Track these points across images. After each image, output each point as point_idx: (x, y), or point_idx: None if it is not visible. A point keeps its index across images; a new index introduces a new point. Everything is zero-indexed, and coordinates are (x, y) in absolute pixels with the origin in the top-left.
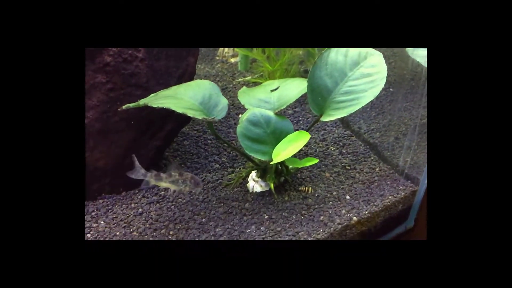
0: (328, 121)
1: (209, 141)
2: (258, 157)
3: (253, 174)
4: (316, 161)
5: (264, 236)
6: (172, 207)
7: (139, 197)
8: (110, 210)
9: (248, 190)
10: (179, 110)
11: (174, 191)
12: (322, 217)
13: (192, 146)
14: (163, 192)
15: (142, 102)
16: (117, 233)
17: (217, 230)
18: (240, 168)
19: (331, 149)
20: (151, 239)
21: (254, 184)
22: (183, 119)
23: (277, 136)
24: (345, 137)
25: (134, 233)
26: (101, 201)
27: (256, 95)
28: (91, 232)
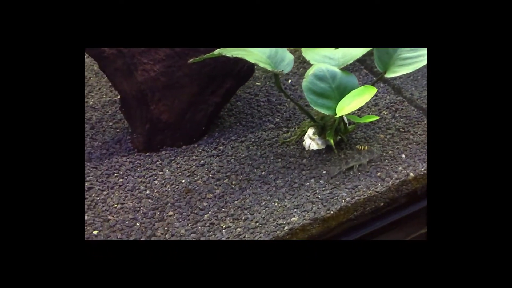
0: (379, 88)
1: (261, 103)
2: (322, 111)
3: (310, 132)
4: (376, 118)
5: (323, 188)
6: (232, 160)
7: (199, 150)
8: (173, 161)
9: (304, 148)
10: (251, 60)
11: (360, 165)
12: (379, 173)
13: (245, 107)
14: (221, 147)
15: (217, 51)
16: (183, 181)
17: (277, 182)
18: (294, 128)
19: (383, 113)
20: (214, 188)
21: (311, 142)
22: (241, 78)
23: (342, 91)
24: (397, 103)
25: (199, 181)
26: (163, 152)
27: (320, 52)
28: (158, 179)
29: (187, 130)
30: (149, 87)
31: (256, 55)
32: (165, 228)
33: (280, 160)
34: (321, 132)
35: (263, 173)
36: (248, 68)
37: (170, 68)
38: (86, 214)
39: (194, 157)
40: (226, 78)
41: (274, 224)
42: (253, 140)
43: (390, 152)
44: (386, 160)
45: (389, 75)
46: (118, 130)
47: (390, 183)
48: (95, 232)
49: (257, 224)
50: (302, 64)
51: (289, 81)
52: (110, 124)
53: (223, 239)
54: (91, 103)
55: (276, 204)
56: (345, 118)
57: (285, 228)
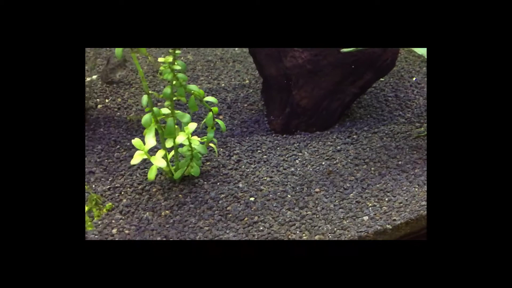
0: None
1: (389, 98)
2: None
3: None
4: None
5: None
6: (367, 149)
7: (333, 137)
8: (309, 144)
9: None
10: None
11: None
12: None
13: (373, 101)
14: (355, 136)
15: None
16: (323, 163)
17: (415, 171)
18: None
19: None
20: (354, 171)
21: None
22: (381, 72)
23: None
24: None
25: (338, 165)
26: (298, 136)
27: None
28: (298, 159)
29: (322, 117)
30: (294, 73)
31: None
32: (315, 202)
33: (415, 152)
34: None
35: (400, 162)
36: (390, 62)
37: (317, 56)
38: (239, 182)
39: (329, 143)
40: (367, 70)
41: (417, 205)
42: (386, 132)
43: None
44: None
45: None
46: (253, 112)
47: None
48: (251, 199)
49: (401, 204)
50: (425, 63)
51: (414, 78)
52: (245, 105)
53: (371, 215)
54: (222, 85)
55: (416, 189)
56: None
57: None
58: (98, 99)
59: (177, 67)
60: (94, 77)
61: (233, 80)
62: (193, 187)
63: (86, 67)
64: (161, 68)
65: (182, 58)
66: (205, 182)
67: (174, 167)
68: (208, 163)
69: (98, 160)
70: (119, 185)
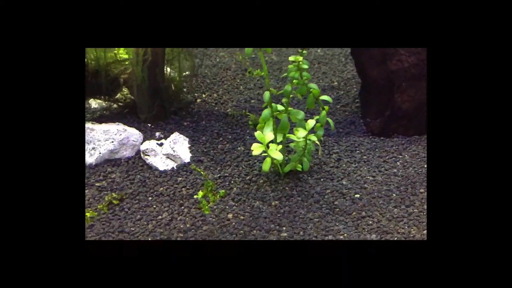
0: None
1: None
2: None
3: None
4: None
5: None
6: None
7: None
8: (408, 148)
9: None
10: None
11: None
12: None
13: None
14: None
15: None
16: (424, 166)
17: None
18: None
19: None
20: None
21: None
22: None
23: None
24: None
25: None
26: (395, 139)
27: None
28: (399, 161)
29: (420, 121)
30: (398, 76)
31: None
32: (421, 201)
33: None
34: None
35: None
36: None
37: (423, 61)
38: (342, 180)
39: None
40: None
41: None
42: None
43: None
44: None
45: None
46: (347, 113)
47: None
48: (357, 196)
49: None
50: None
51: None
52: (338, 107)
53: None
54: None
55: None
56: None
57: None
58: (196, 94)
59: (304, 66)
60: (187, 72)
61: (321, 81)
62: (298, 181)
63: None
64: (289, 66)
65: (266, 58)
66: (310, 178)
67: (281, 161)
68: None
69: (204, 150)
70: (227, 174)
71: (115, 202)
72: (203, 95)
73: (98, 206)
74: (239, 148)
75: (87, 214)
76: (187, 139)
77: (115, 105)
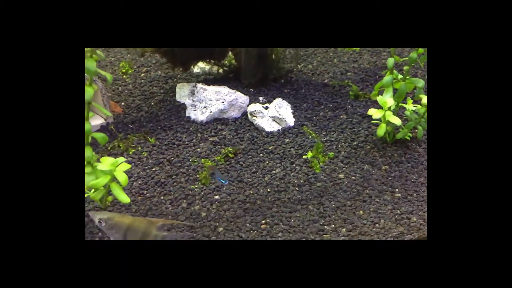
0: None
1: None
2: None
3: None
4: None
5: None
6: None
7: None
8: None
9: None
10: None
11: None
12: None
13: None
14: None
15: None
16: None
17: None
18: None
19: None
20: None
21: None
22: None
23: None
24: None
25: None
26: None
27: None
28: None
29: None
30: None
31: None
32: None
33: None
34: None
35: None
36: None
37: None
38: None
39: None
40: None
41: None
42: None
43: None
44: None
45: None
46: None
47: None
48: None
49: None
50: None
51: None
52: None
53: None
54: None
55: None
56: None
57: None
58: (291, 64)
59: None
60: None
61: None
62: (407, 149)
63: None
64: None
65: None
66: (418, 147)
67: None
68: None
69: (307, 116)
70: (333, 139)
71: (230, 155)
72: (298, 66)
73: (216, 158)
74: (341, 116)
75: (207, 164)
76: (289, 104)
77: (220, 70)
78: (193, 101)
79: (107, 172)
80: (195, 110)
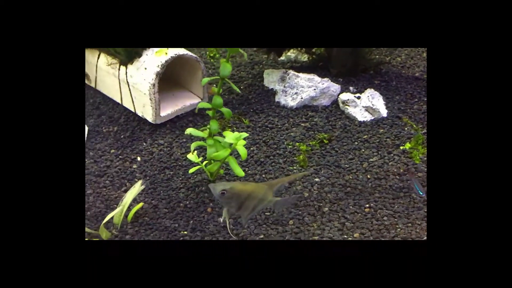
0: None
1: None
2: None
3: None
4: None
5: None
6: None
7: None
8: None
9: None
10: None
11: None
12: None
13: None
14: None
15: None
16: None
17: None
18: None
19: None
20: None
21: None
22: None
23: None
24: None
25: None
26: None
27: None
28: None
29: None
30: None
31: None
32: None
33: None
34: None
35: None
36: None
37: None
38: None
39: None
40: None
41: None
42: None
43: None
44: None
45: None
46: None
47: None
48: None
49: None
50: None
51: None
52: None
53: None
54: None
55: None
56: None
57: None
58: (378, 57)
59: None
60: None
61: None
62: None
63: None
64: None
65: None
66: None
67: None
68: None
69: (401, 108)
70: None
71: (325, 141)
72: (386, 58)
73: (310, 142)
74: None
75: (303, 147)
76: (381, 96)
77: (309, 58)
78: (284, 87)
79: (226, 146)
80: (285, 96)
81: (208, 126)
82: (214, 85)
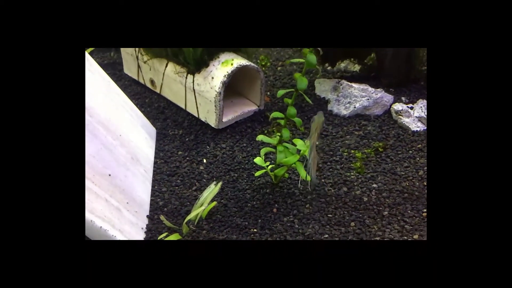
0: None
1: None
2: None
3: None
4: None
5: None
6: None
7: None
8: None
9: None
10: None
11: None
12: None
13: None
14: None
15: None
16: None
17: None
18: None
19: None
20: None
21: None
22: None
23: None
24: None
25: None
26: None
27: None
28: None
29: None
30: None
31: None
32: None
33: None
34: None
35: None
36: None
37: None
38: None
39: None
40: None
41: None
42: None
43: None
44: None
45: None
46: None
47: None
48: None
49: None
50: None
51: None
52: None
53: None
54: None
55: None
56: None
57: None
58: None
59: None
60: None
61: None
62: None
63: None
64: None
65: None
66: None
67: None
68: None
69: None
70: None
71: (380, 149)
72: None
73: (365, 150)
74: None
75: (358, 155)
76: None
77: (359, 68)
78: (337, 96)
79: (295, 152)
80: (338, 105)
81: (278, 134)
82: (268, 93)
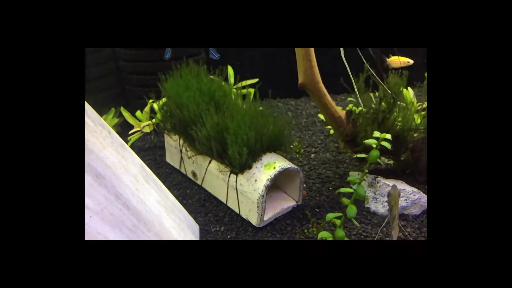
0: None
1: None
2: None
3: None
4: None
5: None
6: None
7: None
8: None
9: None
10: None
11: None
12: None
13: None
14: None
15: None
16: None
17: None
18: None
19: None
20: None
21: None
22: None
23: None
24: None
25: None
26: None
27: None
28: None
29: None
30: None
31: None
32: None
33: None
34: None
35: None
36: None
37: None
38: None
39: None
40: None
41: None
42: None
43: None
44: None
45: None
46: None
47: None
48: None
49: None
50: None
51: None
52: None
53: None
54: None
55: None
56: None
57: None
58: None
59: None
60: None
61: None
62: None
63: None
64: None
65: None
66: None
67: None
68: None
69: None
70: None
71: None
72: None
73: None
74: None
75: None
76: None
77: (393, 163)
78: (374, 193)
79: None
80: (376, 203)
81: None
82: (305, 185)
